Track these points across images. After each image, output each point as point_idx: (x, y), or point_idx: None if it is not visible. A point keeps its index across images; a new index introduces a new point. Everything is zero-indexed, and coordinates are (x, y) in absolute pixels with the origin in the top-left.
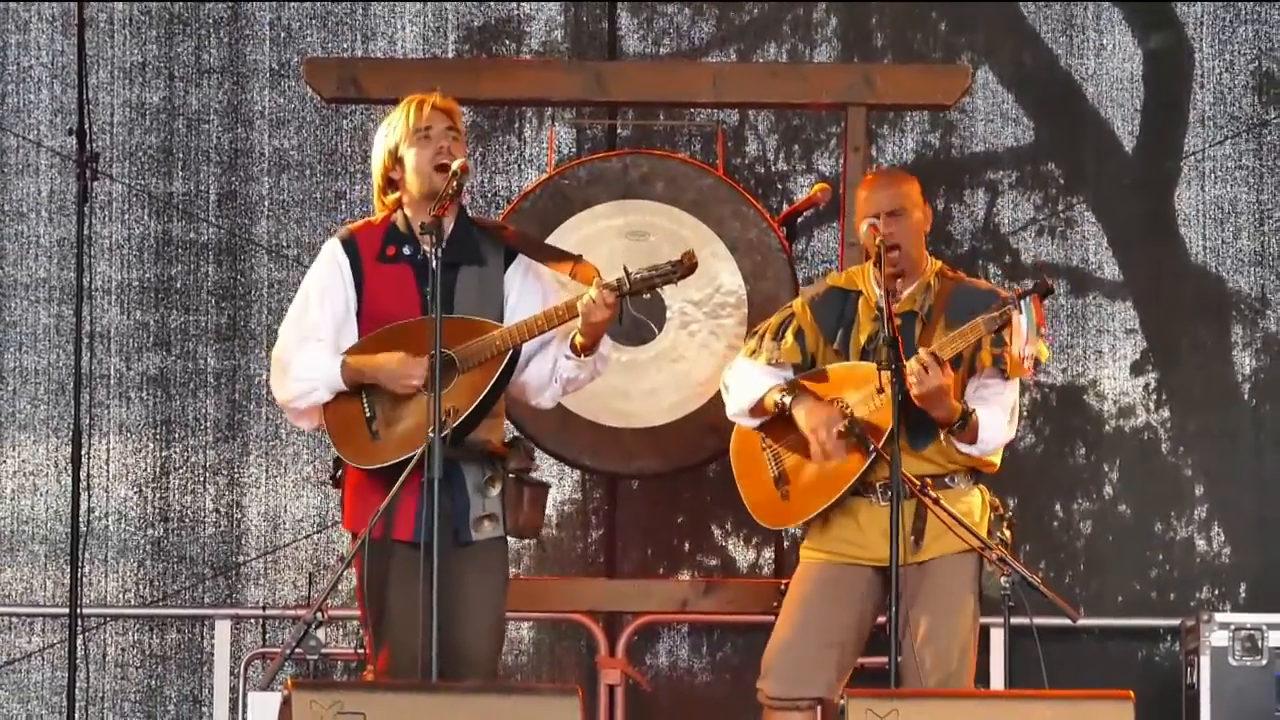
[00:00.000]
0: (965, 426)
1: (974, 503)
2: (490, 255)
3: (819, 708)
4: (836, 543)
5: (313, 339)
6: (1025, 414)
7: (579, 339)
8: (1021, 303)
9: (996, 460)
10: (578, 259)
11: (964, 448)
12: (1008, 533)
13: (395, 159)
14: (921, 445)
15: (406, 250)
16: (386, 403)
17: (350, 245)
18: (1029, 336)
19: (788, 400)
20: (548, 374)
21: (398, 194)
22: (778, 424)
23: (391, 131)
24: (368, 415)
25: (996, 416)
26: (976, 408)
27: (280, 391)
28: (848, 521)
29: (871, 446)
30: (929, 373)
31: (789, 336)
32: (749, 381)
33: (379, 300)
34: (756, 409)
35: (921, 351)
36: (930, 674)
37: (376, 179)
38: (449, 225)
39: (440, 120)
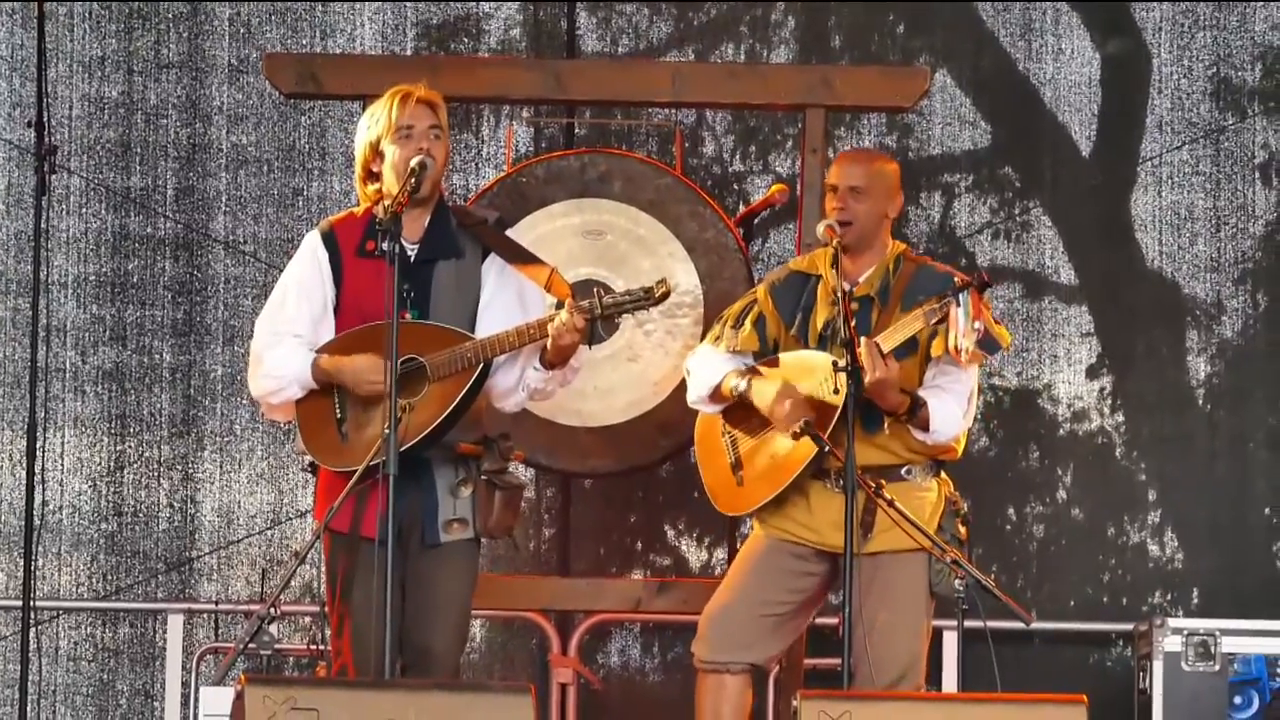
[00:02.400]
0: (914, 417)
1: (929, 498)
2: (468, 248)
3: (751, 673)
4: (788, 522)
5: (287, 335)
6: (979, 416)
7: (547, 355)
8: (960, 296)
9: (959, 447)
10: (552, 270)
11: (918, 434)
12: (962, 529)
13: (376, 152)
14: (874, 429)
15: (385, 245)
16: (357, 405)
17: (330, 239)
18: (965, 329)
19: (742, 385)
20: (515, 381)
21: (379, 185)
22: (737, 410)
23: (374, 124)
24: (338, 416)
25: (949, 406)
26: (929, 397)
27: (254, 386)
28: (800, 502)
29: (826, 447)
30: (873, 366)
31: (748, 324)
32: (708, 368)
33: (357, 294)
34: (714, 395)
35: (864, 343)
36: (883, 673)
37: (358, 169)
38: (425, 219)
39: (424, 118)
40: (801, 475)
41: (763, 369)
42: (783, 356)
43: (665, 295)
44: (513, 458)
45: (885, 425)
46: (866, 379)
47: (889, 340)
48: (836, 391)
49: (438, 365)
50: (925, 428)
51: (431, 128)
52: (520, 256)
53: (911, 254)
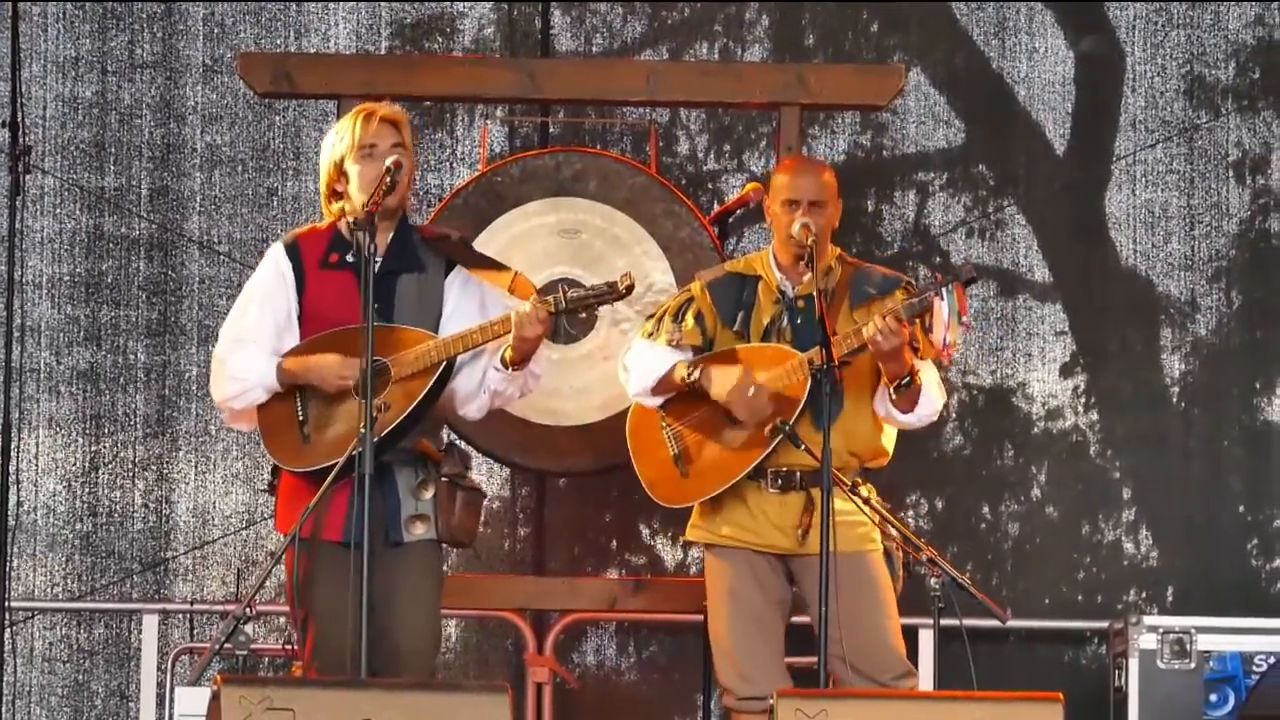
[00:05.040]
0: (911, 384)
1: (857, 502)
2: (430, 263)
3: None
4: (726, 526)
5: (250, 341)
6: (954, 415)
7: (509, 353)
8: (944, 289)
9: (890, 452)
10: (516, 274)
11: (901, 416)
12: (894, 533)
13: (340, 171)
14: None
15: (349, 258)
16: (320, 406)
17: (294, 250)
18: (950, 323)
19: (696, 373)
20: (477, 384)
21: (343, 203)
22: (679, 403)
23: (339, 142)
24: (300, 418)
25: (930, 385)
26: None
27: (217, 391)
28: (737, 505)
29: (802, 445)
30: (895, 335)
31: (689, 319)
32: (652, 359)
33: (321, 305)
34: (660, 385)
35: (880, 319)
36: (885, 669)
37: (322, 186)
38: (389, 234)
39: (387, 137)
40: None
41: (717, 364)
42: (738, 348)
43: (629, 289)
44: (469, 470)
45: (834, 419)
46: (890, 342)
47: (845, 345)
48: (815, 378)
49: (402, 365)
50: (913, 405)
51: (394, 146)
52: (483, 263)
53: (848, 257)
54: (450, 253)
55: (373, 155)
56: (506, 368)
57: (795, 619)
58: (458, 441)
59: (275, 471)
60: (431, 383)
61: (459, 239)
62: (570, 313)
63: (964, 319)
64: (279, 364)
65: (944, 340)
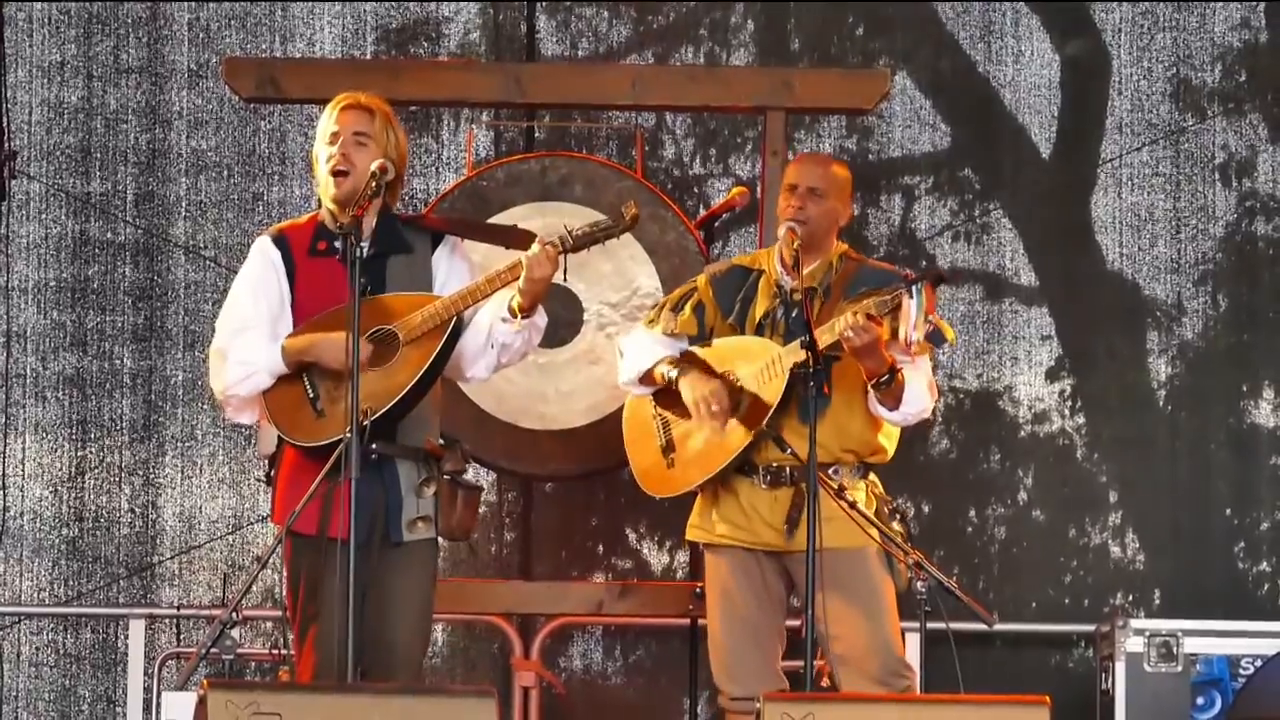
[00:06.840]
0: (892, 381)
1: (858, 498)
2: (417, 243)
3: None
4: (721, 524)
5: (249, 328)
6: (940, 419)
7: (518, 300)
8: (913, 287)
9: (890, 449)
10: (512, 228)
11: (887, 414)
12: (898, 527)
13: (316, 159)
14: (810, 417)
15: (337, 245)
16: (328, 381)
17: (281, 241)
18: (917, 322)
19: (674, 374)
20: (483, 340)
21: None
22: (669, 393)
23: (318, 131)
24: (311, 395)
25: (918, 381)
26: (904, 369)
27: (219, 380)
28: (731, 501)
29: (788, 449)
30: (865, 331)
31: (687, 309)
32: (642, 350)
33: (312, 293)
34: (645, 378)
35: (851, 315)
36: (886, 667)
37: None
38: (371, 223)
39: (351, 123)
40: (728, 471)
41: (699, 352)
42: (723, 340)
43: (634, 220)
44: (468, 465)
45: (822, 411)
46: (861, 339)
47: (829, 334)
48: (807, 377)
49: (410, 328)
50: (897, 401)
51: (356, 134)
52: (474, 228)
53: (854, 254)
54: (435, 225)
55: (335, 142)
56: (515, 317)
57: (794, 621)
58: (457, 439)
59: (272, 461)
60: (442, 342)
61: (441, 218)
62: (577, 249)
63: (930, 317)
64: (282, 345)
65: (910, 338)
